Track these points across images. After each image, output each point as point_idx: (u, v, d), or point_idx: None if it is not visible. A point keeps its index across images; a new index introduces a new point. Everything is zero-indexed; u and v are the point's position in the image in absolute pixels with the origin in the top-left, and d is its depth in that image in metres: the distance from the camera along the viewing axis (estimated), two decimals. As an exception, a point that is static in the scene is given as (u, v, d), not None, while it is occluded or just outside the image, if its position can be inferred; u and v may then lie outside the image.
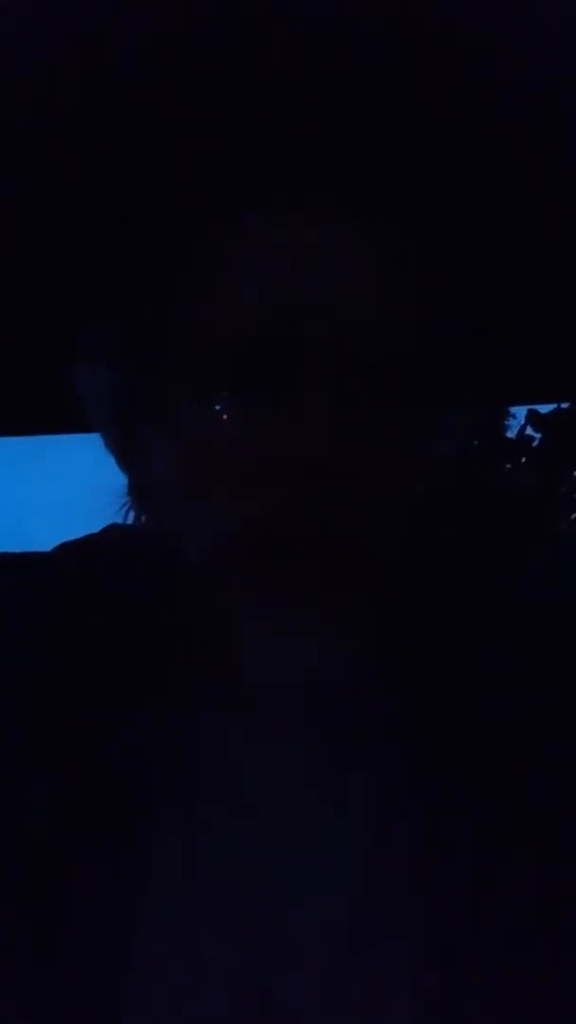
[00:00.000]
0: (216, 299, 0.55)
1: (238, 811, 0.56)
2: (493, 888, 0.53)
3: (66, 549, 0.65)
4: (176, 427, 0.55)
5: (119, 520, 0.64)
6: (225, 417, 0.53)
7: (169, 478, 0.57)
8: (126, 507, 0.63)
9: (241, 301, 0.54)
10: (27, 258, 0.63)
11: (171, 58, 0.53)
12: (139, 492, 0.62)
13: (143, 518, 0.63)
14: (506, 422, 2.96)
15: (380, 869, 0.55)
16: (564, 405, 2.86)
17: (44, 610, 0.61)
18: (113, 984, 0.52)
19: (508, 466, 3.02)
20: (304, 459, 0.51)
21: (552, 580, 0.61)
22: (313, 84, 0.54)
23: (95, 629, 0.60)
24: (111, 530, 0.65)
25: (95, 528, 0.66)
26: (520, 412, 2.92)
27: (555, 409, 2.94)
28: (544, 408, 2.91)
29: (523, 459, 3.01)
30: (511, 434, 3.02)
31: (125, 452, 0.61)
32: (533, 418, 2.94)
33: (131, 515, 0.63)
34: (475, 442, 2.83)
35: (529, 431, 3.00)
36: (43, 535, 0.71)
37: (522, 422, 2.99)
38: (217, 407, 0.53)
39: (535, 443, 3.01)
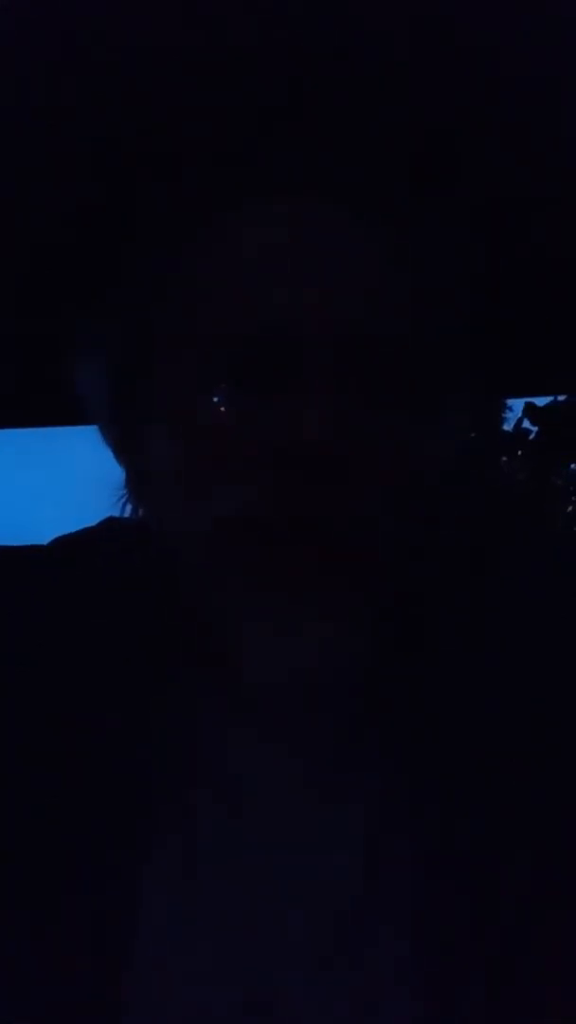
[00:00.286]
0: (216, 298, 0.55)
1: (238, 811, 0.57)
2: (493, 888, 0.53)
3: (63, 542, 0.65)
4: (175, 421, 0.55)
5: (116, 513, 0.64)
6: (223, 411, 0.53)
7: (167, 471, 0.57)
8: (123, 500, 0.63)
9: (241, 300, 0.54)
10: (27, 256, 0.63)
11: (171, 58, 0.53)
12: (136, 485, 0.62)
13: (140, 511, 0.63)
14: (503, 415, 2.96)
15: (380, 869, 0.55)
16: (560, 398, 2.86)
17: (41, 605, 0.61)
18: (113, 984, 0.53)
19: (504, 459, 3.02)
20: (302, 453, 0.51)
21: (552, 580, 0.61)
22: (313, 84, 0.54)
23: (94, 626, 0.60)
24: (108, 523, 0.64)
25: (92, 521, 0.65)
26: (517, 405, 2.92)
27: (551, 402, 2.94)
28: (541, 401, 2.91)
29: (519, 452, 3.02)
30: (507, 427, 3.02)
31: (123, 445, 0.61)
32: (530, 411, 2.94)
33: (128, 508, 0.63)
34: (472, 434, 2.82)
35: (526, 424, 3.00)
36: (41, 528, 0.71)
37: (519, 415, 2.99)
38: (215, 399, 0.53)
39: (531, 436, 3.01)
